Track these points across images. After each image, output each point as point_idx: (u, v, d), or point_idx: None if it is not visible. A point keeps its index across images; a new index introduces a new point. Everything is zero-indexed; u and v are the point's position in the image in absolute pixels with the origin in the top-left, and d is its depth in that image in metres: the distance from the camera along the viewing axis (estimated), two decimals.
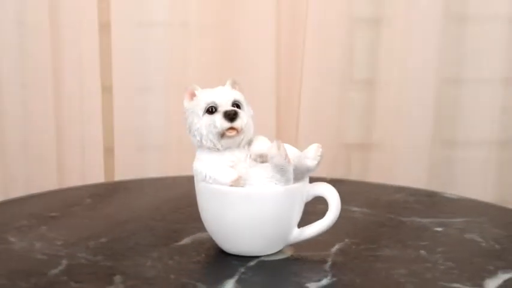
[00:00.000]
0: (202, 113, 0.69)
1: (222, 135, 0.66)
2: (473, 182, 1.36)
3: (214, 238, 0.70)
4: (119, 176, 1.36)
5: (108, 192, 0.95)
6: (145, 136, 1.38)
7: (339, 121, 1.36)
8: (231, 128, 0.66)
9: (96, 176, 1.36)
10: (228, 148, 0.67)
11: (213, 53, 1.33)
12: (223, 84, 0.74)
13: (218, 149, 0.67)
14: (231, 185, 0.65)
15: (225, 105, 0.68)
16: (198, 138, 0.68)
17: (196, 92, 0.72)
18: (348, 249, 0.71)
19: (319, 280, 0.63)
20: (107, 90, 1.36)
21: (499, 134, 1.35)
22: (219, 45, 1.33)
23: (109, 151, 1.38)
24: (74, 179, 1.35)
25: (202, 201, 0.69)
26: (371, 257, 0.69)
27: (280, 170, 0.65)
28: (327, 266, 0.67)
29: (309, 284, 0.63)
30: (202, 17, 1.32)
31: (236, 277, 0.64)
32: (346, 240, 0.74)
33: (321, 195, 0.68)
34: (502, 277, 0.64)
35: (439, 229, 0.77)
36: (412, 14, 1.30)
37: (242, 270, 0.65)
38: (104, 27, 1.33)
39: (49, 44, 1.32)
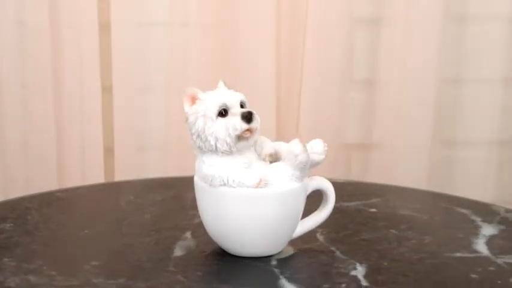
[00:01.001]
0: (215, 116, 0.67)
1: (239, 137, 0.66)
2: (473, 182, 1.37)
3: (232, 242, 0.69)
4: (119, 176, 1.36)
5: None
6: (145, 136, 1.38)
7: (339, 121, 1.36)
8: (247, 130, 0.66)
9: (96, 176, 1.36)
10: (239, 150, 0.67)
11: (213, 53, 1.33)
12: (215, 86, 0.74)
13: (231, 152, 0.66)
14: (256, 187, 0.65)
15: (235, 107, 0.68)
16: (212, 142, 0.67)
17: (200, 96, 0.70)
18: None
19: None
20: (107, 90, 1.36)
21: (499, 134, 1.35)
22: (219, 45, 1.33)
23: (109, 151, 1.38)
24: (74, 179, 1.35)
25: (223, 206, 0.67)
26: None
27: (303, 167, 0.66)
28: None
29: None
30: (202, 17, 1.32)
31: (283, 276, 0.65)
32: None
33: (319, 188, 0.70)
34: None
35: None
36: (412, 14, 1.30)
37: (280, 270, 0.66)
38: (104, 27, 1.33)
39: (49, 44, 1.31)
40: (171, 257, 0.70)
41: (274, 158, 0.68)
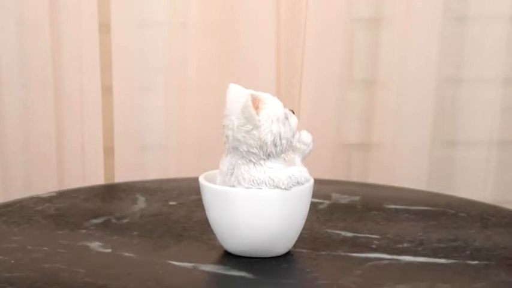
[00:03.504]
0: (284, 120, 0.68)
1: None
2: (473, 182, 1.36)
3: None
4: (119, 176, 1.36)
5: None
6: (145, 136, 1.38)
7: (339, 121, 1.36)
8: None
9: (96, 176, 1.36)
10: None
11: (213, 53, 1.33)
12: (228, 84, 0.73)
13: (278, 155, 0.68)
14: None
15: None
16: (285, 145, 0.68)
17: (264, 100, 0.69)
18: None
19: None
20: (107, 90, 1.36)
21: (499, 134, 1.35)
22: (219, 45, 1.33)
23: (109, 151, 1.38)
24: (74, 179, 1.35)
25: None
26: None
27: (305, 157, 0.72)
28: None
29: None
30: (202, 17, 1.32)
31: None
32: None
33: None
34: None
35: None
36: (412, 14, 1.30)
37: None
38: (104, 27, 1.33)
39: (49, 44, 1.31)
40: None
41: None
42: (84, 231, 0.79)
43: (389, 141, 1.35)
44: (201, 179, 0.71)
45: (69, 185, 1.33)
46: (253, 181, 0.67)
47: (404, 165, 1.34)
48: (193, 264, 0.69)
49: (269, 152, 0.67)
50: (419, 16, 1.30)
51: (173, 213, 0.87)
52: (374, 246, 0.75)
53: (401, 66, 1.32)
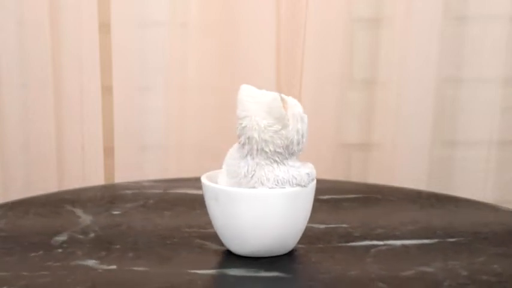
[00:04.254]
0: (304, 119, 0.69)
1: None
2: (473, 182, 1.36)
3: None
4: (119, 176, 1.36)
5: None
6: (145, 136, 1.38)
7: (339, 121, 1.36)
8: None
9: (96, 176, 1.36)
10: None
11: (213, 53, 1.33)
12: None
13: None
14: None
15: None
16: (304, 144, 0.69)
17: (286, 99, 0.70)
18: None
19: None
20: (107, 90, 1.36)
21: (499, 134, 1.35)
22: (219, 45, 1.33)
23: (109, 151, 1.38)
24: (74, 179, 1.35)
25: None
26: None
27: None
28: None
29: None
30: (202, 17, 1.32)
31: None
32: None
33: None
34: None
35: None
36: (412, 14, 1.30)
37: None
38: (104, 27, 1.33)
39: (49, 44, 1.32)
40: None
41: None
42: (60, 250, 0.73)
43: (389, 141, 1.36)
44: (206, 181, 0.70)
45: (69, 185, 1.33)
46: (277, 181, 0.67)
47: (404, 165, 1.34)
48: (216, 270, 0.68)
49: (293, 150, 0.68)
50: (419, 16, 1.30)
51: (133, 222, 0.84)
52: (357, 234, 0.78)
53: (401, 66, 1.32)
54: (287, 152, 0.67)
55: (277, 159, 0.67)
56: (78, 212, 0.88)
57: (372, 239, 0.76)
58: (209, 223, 0.73)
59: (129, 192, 1.00)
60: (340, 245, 0.75)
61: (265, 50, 1.32)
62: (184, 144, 1.36)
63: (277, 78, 1.34)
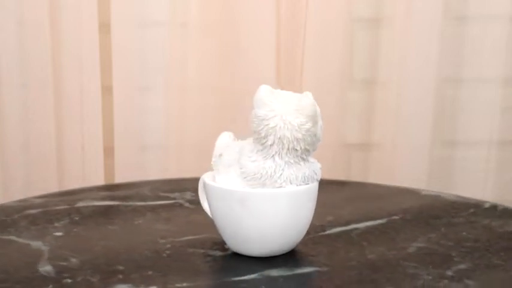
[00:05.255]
0: None
1: None
2: (473, 181, 1.37)
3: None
4: (119, 176, 1.36)
5: None
6: (145, 136, 1.38)
7: (339, 121, 1.36)
8: None
9: (96, 176, 1.36)
10: None
11: (213, 53, 1.33)
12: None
13: None
14: None
15: None
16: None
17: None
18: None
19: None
20: (107, 90, 1.36)
21: (499, 134, 1.35)
22: (219, 45, 1.33)
23: (109, 151, 1.38)
24: (74, 179, 1.35)
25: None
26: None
27: None
28: None
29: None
30: (202, 17, 1.32)
31: None
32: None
33: None
34: None
35: None
36: (412, 14, 1.30)
37: None
38: (104, 27, 1.33)
39: (49, 44, 1.31)
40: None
41: None
42: (69, 280, 0.65)
43: (390, 141, 1.36)
44: (225, 185, 0.69)
45: (69, 185, 1.33)
46: (304, 178, 0.68)
47: (404, 165, 1.34)
48: (259, 273, 0.67)
49: (316, 147, 0.68)
50: (419, 16, 1.30)
51: (98, 240, 0.77)
52: (331, 218, 0.82)
53: (401, 66, 1.32)
54: (312, 149, 0.68)
55: (304, 156, 0.67)
56: (19, 240, 0.77)
57: (341, 226, 0.81)
58: (179, 232, 0.74)
59: (33, 211, 0.88)
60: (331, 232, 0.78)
61: (265, 50, 1.32)
62: (184, 144, 1.36)
63: (277, 78, 1.33)
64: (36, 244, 0.75)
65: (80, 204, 0.92)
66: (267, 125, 0.66)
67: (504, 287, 0.65)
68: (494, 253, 0.72)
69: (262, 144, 0.67)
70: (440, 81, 1.33)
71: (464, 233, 0.79)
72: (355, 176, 1.37)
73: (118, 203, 0.93)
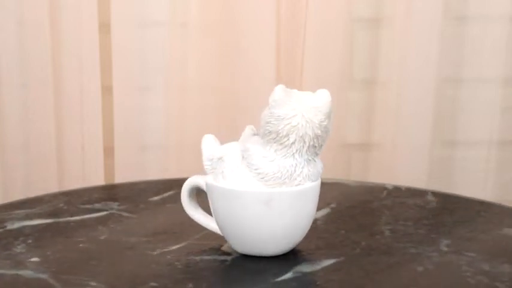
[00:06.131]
0: None
1: None
2: (473, 181, 1.37)
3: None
4: (119, 176, 1.36)
5: None
6: (145, 136, 1.38)
7: (339, 121, 1.36)
8: None
9: (96, 176, 1.36)
10: None
11: (213, 53, 1.33)
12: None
13: None
14: None
15: None
16: None
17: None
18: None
19: None
20: (107, 90, 1.36)
21: (499, 134, 1.35)
22: (219, 45, 1.33)
23: (109, 151, 1.38)
24: (74, 179, 1.35)
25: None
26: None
27: None
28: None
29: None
30: (202, 17, 1.32)
31: None
32: None
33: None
34: None
35: None
36: (412, 14, 1.30)
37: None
38: (104, 27, 1.33)
39: (49, 44, 1.31)
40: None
41: None
42: None
43: (390, 141, 1.36)
44: (251, 188, 0.68)
45: (69, 185, 1.33)
46: (318, 173, 0.69)
47: (404, 165, 1.34)
48: (293, 273, 0.67)
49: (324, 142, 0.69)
50: (419, 16, 1.30)
51: (93, 257, 0.71)
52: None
53: (401, 66, 1.32)
54: (324, 146, 0.69)
55: (318, 152, 0.68)
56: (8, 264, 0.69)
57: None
58: (159, 241, 0.72)
59: None
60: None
61: (265, 50, 1.32)
62: (184, 144, 1.36)
63: (277, 78, 1.33)
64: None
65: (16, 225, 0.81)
66: (288, 124, 0.66)
67: None
68: None
69: (282, 143, 0.67)
70: (440, 81, 1.33)
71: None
72: (355, 176, 1.37)
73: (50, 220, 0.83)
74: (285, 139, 0.66)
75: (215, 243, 0.73)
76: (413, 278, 0.66)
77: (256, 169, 0.67)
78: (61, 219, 0.83)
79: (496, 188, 1.37)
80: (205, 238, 0.75)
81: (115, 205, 0.89)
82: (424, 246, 0.74)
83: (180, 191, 0.74)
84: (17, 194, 1.30)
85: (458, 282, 0.65)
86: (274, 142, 0.67)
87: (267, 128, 0.67)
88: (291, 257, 0.70)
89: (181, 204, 0.74)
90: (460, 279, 0.65)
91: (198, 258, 0.70)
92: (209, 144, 0.73)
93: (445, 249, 0.73)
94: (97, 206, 0.89)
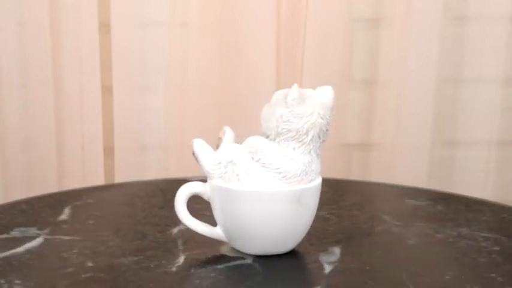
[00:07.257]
0: None
1: None
2: (473, 181, 1.37)
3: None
4: (119, 176, 1.36)
5: None
6: (145, 136, 1.38)
7: (338, 121, 1.36)
8: None
9: (96, 176, 1.36)
10: None
11: (213, 53, 1.33)
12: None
13: None
14: None
15: None
16: None
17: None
18: None
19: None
20: (107, 90, 1.36)
21: (499, 134, 1.35)
22: (219, 45, 1.33)
23: (109, 151, 1.38)
24: (74, 179, 1.35)
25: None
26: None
27: None
28: None
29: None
30: (202, 17, 1.32)
31: None
32: None
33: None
34: None
35: None
36: (412, 14, 1.30)
37: None
38: (104, 27, 1.33)
39: (49, 44, 1.31)
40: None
41: None
42: None
43: (390, 141, 1.36)
44: (285, 186, 0.67)
45: (69, 185, 1.33)
46: (321, 170, 0.70)
47: (404, 165, 1.34)
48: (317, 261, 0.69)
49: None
50: (419, 16, 1.30)
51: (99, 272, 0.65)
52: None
53: (401, 66, 1.32)
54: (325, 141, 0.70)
55: (322, 147, 0.70)
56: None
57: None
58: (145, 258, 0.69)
59: None
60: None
61: (265, 50, 1.32)
62: (184, 144, 1.35)
63: (277, 78, 1.34)
64: None
65: None
66: (308, 121, 0.68)
67: None
68: None
69: (301, 140, 0.67)
70: (440, 81, 1.33)
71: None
72: (355, 176, 1.37)
73: None
74: (304, 136, 0.67)
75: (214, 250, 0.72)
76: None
77: (277, 168, 0.67)
78: None
79: (496, 188, 1.37)
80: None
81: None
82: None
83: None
84: (17, 194, 1.30)
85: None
86: (293, 140, 0.67)
87: (285, 126, 0.67)
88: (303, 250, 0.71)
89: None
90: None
91: (208, 267, 0.68)
92: (205, 149, 0.71)
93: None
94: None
